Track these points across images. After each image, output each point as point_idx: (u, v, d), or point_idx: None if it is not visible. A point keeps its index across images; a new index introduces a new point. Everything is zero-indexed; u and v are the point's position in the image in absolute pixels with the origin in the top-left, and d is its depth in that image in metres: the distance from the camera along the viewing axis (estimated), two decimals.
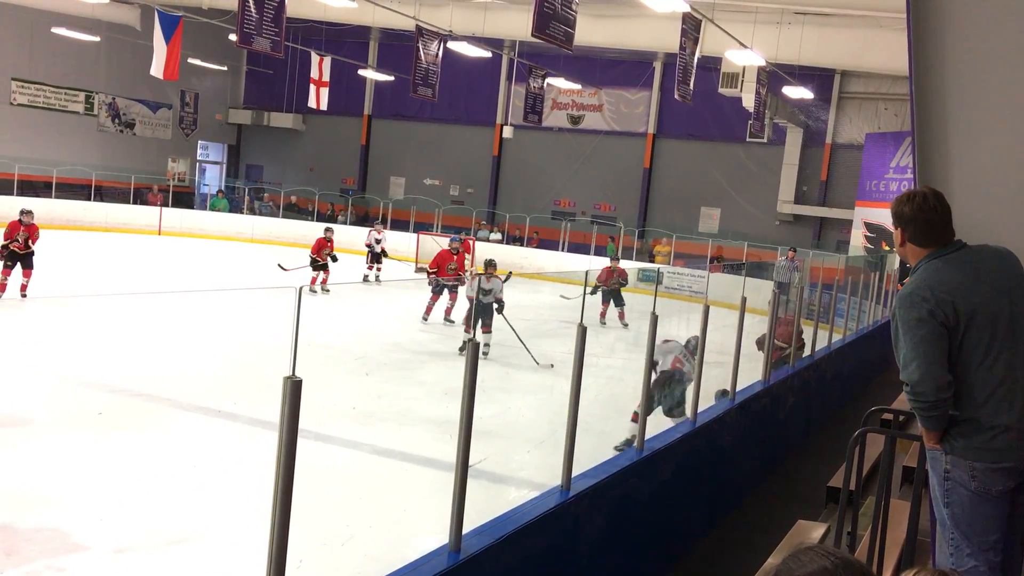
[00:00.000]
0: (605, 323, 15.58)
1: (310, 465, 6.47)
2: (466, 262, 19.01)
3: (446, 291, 14.13)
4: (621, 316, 15.82)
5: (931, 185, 3.52)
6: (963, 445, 3.12)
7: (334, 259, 16.47)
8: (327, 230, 17.03)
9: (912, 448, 6.26)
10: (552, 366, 9.93)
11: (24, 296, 12.84)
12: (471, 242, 21.14)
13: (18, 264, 12.90)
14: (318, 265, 16.25)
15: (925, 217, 3.17)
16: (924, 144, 3.55)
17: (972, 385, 3.08)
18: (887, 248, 19.88)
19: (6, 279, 12.91)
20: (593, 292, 15.30)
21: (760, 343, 8.66)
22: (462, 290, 13.96)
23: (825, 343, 10.77)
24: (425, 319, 13.95)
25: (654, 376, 7.48)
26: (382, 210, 27.04)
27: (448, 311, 14.13)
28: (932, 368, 3.02)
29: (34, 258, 13.05)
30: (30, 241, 12.99)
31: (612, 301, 15.81)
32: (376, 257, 19.14)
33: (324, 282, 16.06)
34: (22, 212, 13.23)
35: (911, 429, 7.31)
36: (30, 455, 6.60)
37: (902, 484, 5.96)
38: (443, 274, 14.36)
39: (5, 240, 12.89)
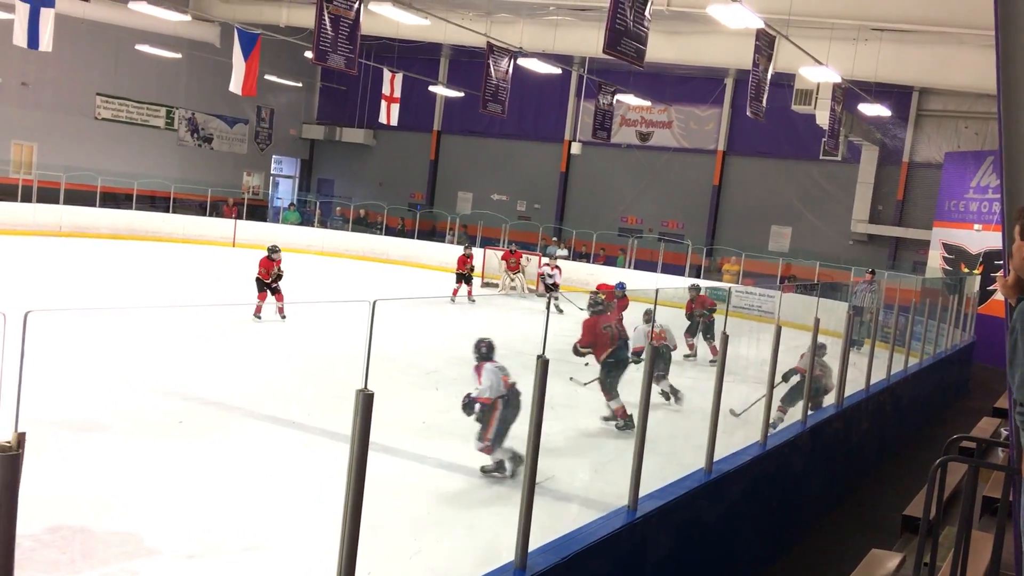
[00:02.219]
0: (695, 357, 13.44)
1: (379, 477, 6.53)
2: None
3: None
4: (713, 351, 12.08)
5: (1018, 203, 3.38)
6: None
7: (278, 277, 14.49)
8: (273, 250, 14.68)
9: (993, 477, 6.04)
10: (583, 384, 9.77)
11: (283, 317, 14.09)
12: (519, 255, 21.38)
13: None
14: (266, 288, 14.41)
15: None
16: (1013, 164, 3.44)
17: None
18: (966, 270, 19.27)
19: (262, 306, 14.12)
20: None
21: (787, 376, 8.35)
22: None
23: (901, 367, 10.48)
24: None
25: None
26: (449, 224, 27.25)
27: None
28: None
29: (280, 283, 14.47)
30: (280, 271, 14.46)
31: (702, 334, 13.45)
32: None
33: (280, 310, 14.23)
34: (271, 250, 14.62)
35: (991, 458, 7.05)
36: (109, 461, 6.78)
37: (981, 515, 5.74)
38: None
39: (261, 276, 14.37)
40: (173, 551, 5.36)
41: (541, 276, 19.62)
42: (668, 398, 9.90)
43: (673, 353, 11.25)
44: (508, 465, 7.10)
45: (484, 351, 7.33)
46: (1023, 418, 2.93)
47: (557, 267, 19.86)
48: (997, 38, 3.36)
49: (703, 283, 21.97)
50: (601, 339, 8.84)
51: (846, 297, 15.52)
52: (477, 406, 7.09)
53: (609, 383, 8.93)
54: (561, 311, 15.39)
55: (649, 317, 10.41)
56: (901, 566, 5.14)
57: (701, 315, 13.59)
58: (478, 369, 7.23)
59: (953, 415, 12.41)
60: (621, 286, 14.26)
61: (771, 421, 7.73)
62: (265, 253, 14.70)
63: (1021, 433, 3.00)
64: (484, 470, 7.18)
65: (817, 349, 8.05)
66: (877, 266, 21.39)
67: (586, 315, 11.00)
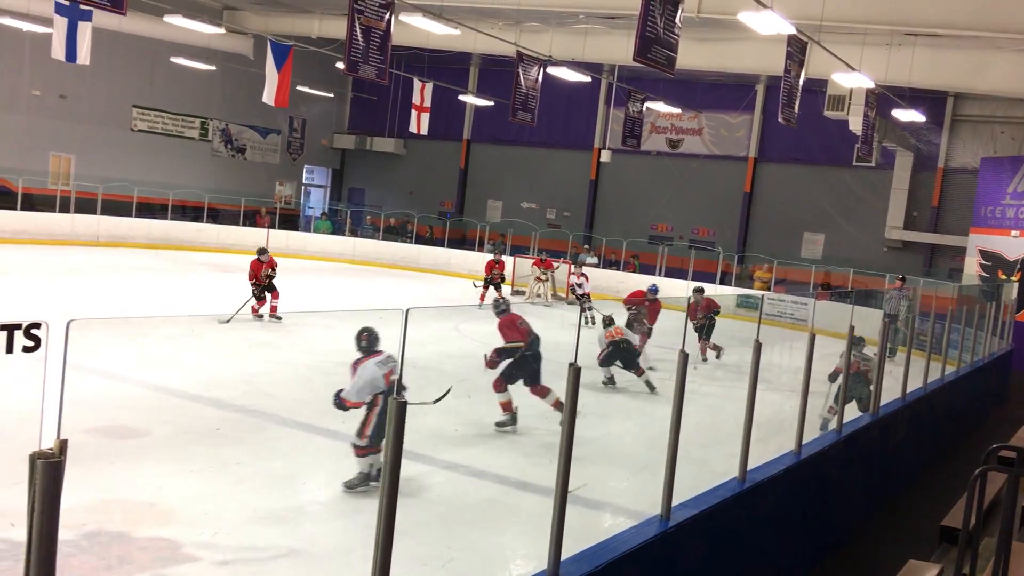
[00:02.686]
0: (706, 360, 13.76)
1: (412, 485, 6.57)
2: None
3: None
4: (706, 349, 13.76)
5: None
6: None
7: (269, 278, 14.26)
8: (261, 252, 14.49)
9: None
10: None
11: (278, 318, 14.28)
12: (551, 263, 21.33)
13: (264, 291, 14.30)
14: (260, 291, 14.22)
15: None
16: None
17: None
18: (1004, 277, 18.98)
19: (260, 308, 14.27)
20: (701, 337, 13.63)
21: (835, 375, 8.40)
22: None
23: (938, 375, 10.34)
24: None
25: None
26: (479, 233, 27.34)
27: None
28: None
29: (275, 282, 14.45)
30: (273, 271, 14.41)
31: (702, 334, 13.76)
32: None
33: (274, 309, 14.24)
34: (259, 251, 14.59)
35: None
36: (147, 467, 6.87)
37: (1022, 525, 5.64)
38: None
39: (252, 280, 14.28)
40: (209, 557, 5.41)
41: (571, 287, 19.55)
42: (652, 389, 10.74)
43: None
44: (372, 473, 6.52)
45: (365, 344, 6.77)
46: None
47: (584, 275, 19.76)
48: None
49: (733, 290, 21.84)
50: (521, 334, 8.73)
51: (880, 304, 15.35)
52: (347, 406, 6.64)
53: (508, 375, 8.72)
54: (593, 322, 15.04)
55: (610, 321, 11.42)
56: None
57: (707, 318, 13.72)
58: (355, 365, 6.67)
59: (992, 424, 12.21)
60: (654, 289, 14.25)
61: (821, 422, 7.84)
62: (255, 256, 14.43)
63: None
64: (348, 485, 6.59)
65: (856, 342, 8.07)
66: (912, 273, 21.13)
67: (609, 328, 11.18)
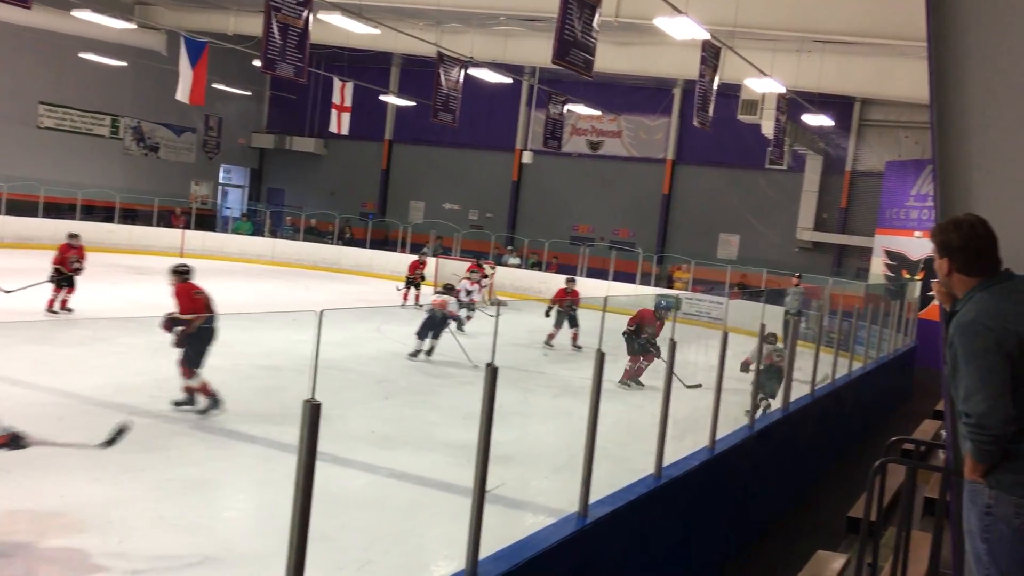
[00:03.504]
0: (552, 346, 15.15)
1: (328, 489, 6.48)
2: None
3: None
4: (574, 338, 15.20)
5: (952, 214, 3.50)
6: (1011, 481, 3.02)
7: (76, 269, 13.74)
8: (71, 236, 13.96)
9: (933, 479, 6.19)
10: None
11: (69, 311, 13.62)
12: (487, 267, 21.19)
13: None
14: (63, 278, 13.64)
15: (975, 246, 3.07)
16: (945, 173, 3.55)
17: None
18: (907, 276, 19.74)
19: (56, 296, 13.63)
20: (547, 313, 15.64)
21: (744, 365, 8.78)
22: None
23: (845, 371, 10.69)
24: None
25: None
26: (401, 234, 27.19)
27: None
28: (1000, 400, 2.91)
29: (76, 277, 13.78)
30: (80, 262, 13.76)
31: (567, 323, 15.26)
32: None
33: (64, 303, 13.70)
34: (70, 236, 13.90)
35: (932, 460, 7.24)
36: (53, 476, 6.64)
37: (923, 515, 5.89)
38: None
39: (57, 264, 13.58)
40: (120, 568, 5.27)
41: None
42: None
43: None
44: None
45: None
46: (968, 428, 2.99)
47: (477, 283, 19.45)
48: (929, 50, 3.48)
49: (655, 291, 22.22)
50: (197, 305, 8.33)
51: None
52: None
53: (194, 358, 8.22)
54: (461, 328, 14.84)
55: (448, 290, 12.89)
56: (846, 567, 5.24)
57: (571, 306, 15.28)
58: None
59: (896, 418, 12.69)
60: (666, 305, 13.54)
61: (759, 410, 8.07)
62: (67, 241, 13.88)
63: (962, 442, 3.08)
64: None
65: (768, 339, 8.36)
66: (822, 273, 21.81)
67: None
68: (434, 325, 12.53)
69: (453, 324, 13.13)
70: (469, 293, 18.88)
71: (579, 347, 14.99)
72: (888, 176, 21.50)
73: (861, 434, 11.16)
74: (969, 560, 3.25)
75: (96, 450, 5.53)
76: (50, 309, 13.45)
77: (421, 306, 16.39)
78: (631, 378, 12.16)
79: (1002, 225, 3.53)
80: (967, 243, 3.06)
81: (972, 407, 2.94)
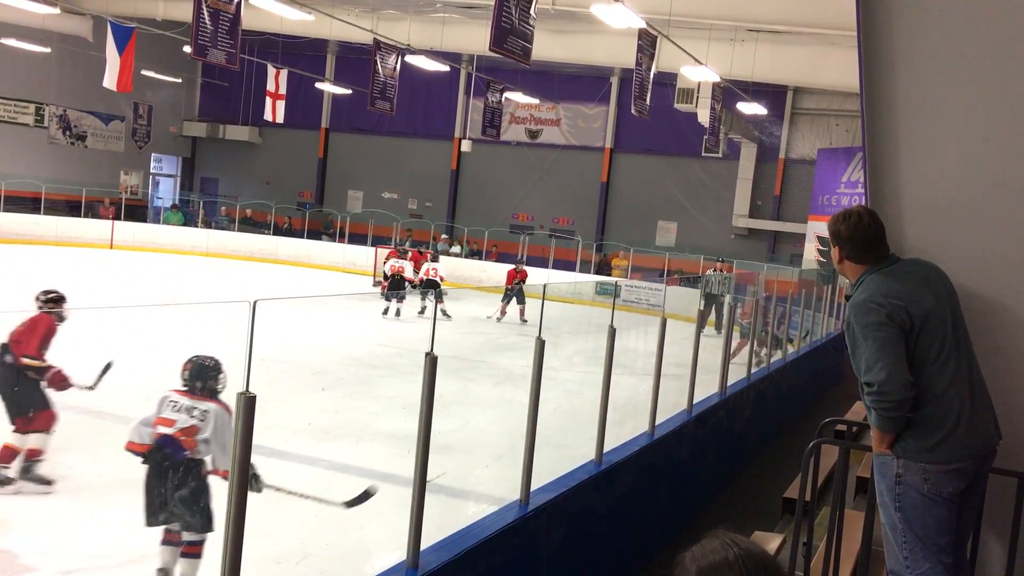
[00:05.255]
0: (500, 319, 17.19)
1: (270, 482, 6.37)
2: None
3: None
4: (521, 313, 17.30)
5: (881, 200, 3.60)
6: (916, 447, 3.23)
7: None
8: None
9: (866, 459, 6.34)
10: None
11: None
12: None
13: None
14: None
15: (861, 236, 3.34)
16: (874, 160, 3.62)
17: (925, 387, 3.20)
18: None
19: None
20: (505, 298, 17.48)
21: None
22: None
23: (780, 356, 10.90)
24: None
25: None
26: (339, 224, 26.88)
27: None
28: (897, 367, 3.14)
29: None
30: None
31: (515, 299, 17.35)
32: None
33: None
34: None
35: (864, 440, 7.41)
36: None
37: (856, 494, 6.03)
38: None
39: None
40: (51, 567, 5.13)
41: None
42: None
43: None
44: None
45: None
46: (872, 399, 3.21)
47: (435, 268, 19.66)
48: (859, 39, 3.53)
49: (594, 278, 22.38)
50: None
51: (728, 289, 16.02)
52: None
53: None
54: (448, 316, 16.14)
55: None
56: (782, 547, 5.35)
57: (519, 284, 17.33)
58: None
59: (829, 400, 12.99)
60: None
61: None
62: None
63: (869, 413, 3.29)
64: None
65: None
66: (757, 259, 22.20)
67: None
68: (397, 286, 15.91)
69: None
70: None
71: (525, 320, 17.01)
72: (820, 163, 21.96)
73: (796, 417, 11.40)
74: (886, 532, 3.38)
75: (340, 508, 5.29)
76: None
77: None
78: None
79: (929, 210, 3.63)
80: (854, 234, 3.35)
81: (872, 376, 3.17)
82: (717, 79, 16.79)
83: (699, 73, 16.12)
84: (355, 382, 10.90)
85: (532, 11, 10.50)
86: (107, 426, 8.12)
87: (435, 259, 18.90)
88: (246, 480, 2.88)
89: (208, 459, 4.85)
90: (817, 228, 21.12)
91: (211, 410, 4.95)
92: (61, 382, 6.28)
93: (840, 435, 6.85)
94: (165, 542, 4.97)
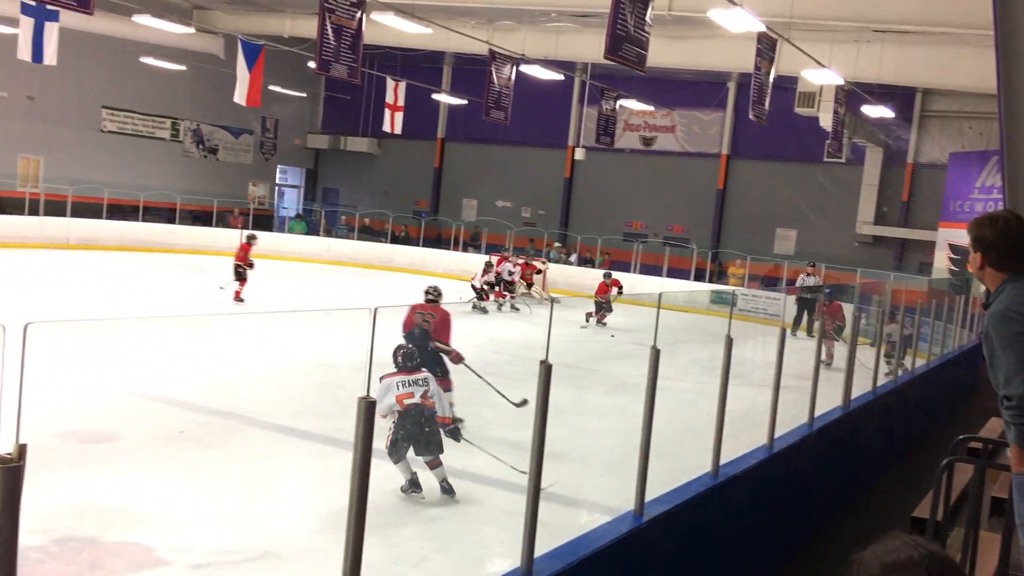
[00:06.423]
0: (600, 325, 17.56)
1: (384, 485, 6.54)
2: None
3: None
4: (602, 317, 17.59)
5: (1020, 203, 3.41)
6: None
7: (250, 266, 16.23)
8: (250, 237, 16.62)
9: (1002, 478, 6.01)
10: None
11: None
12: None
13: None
14: (240, 273, 16.04)
15: (1007, 242, 3.19)
16: (1014, 163, 3.44)
17: None
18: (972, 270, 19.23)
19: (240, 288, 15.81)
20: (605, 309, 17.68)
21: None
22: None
23: (908, 368, 10.45)
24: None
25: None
26: (454, 232, 27.30)
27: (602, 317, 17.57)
28: None
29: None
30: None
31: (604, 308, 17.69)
32: (508, 286, 19.64)
33: (237, 294, 15.96)
34: (251, 237, 16.46)
35: (1001, 459, 7.02)
36: (117, 471, 6.80)
37: (991, 515, 5.72)
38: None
39: (239, 261, 15.92)
40: (182, 561, 5.37)
41: (500, 275, 19.79)
42: None
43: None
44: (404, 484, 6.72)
45: (398, 361, 6.93)
46: (1011, 413, 3.05)
47: (519, 264, 20.18)
48: (996, 38, 3.37)
49: (709, 287, 22.00)
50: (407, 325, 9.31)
51: (852, 299, 15.50)
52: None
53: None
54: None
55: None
56: None
57: (606, 298, 17.69)
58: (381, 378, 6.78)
59: (961, 416, 12.37)
60: (829, 293, 15.48)
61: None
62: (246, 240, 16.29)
63: (1008, 429, 3.12)
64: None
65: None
66: (883, 268, 21.36)
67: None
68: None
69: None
70: (511, 273, 19.33)
71: (604, 324, 17.44)
72: (951, 168, 20.95)
73: (924, 433, 10.90)
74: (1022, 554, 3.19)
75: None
76: (236, 298, 15.75)
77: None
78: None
79: None
80: (1000, 239, 3.19)
81: (1012, 390, 3.01)
82: (841, 82, 16.26)
83: (821, 76, 15.64)
84: (469, 389, 11.02)
85: (648, 18, 10.42)
86: (236, 425, 8.49)
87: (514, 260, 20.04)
88: (366, 484, 2.95)
89: (437, 408, 6.80)
90: (949, 235, 20.16)
91: (426, 376, 6.89)
92: (457, 358, 8.76)
93: (975, 453, 6.52)
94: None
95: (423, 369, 6.95)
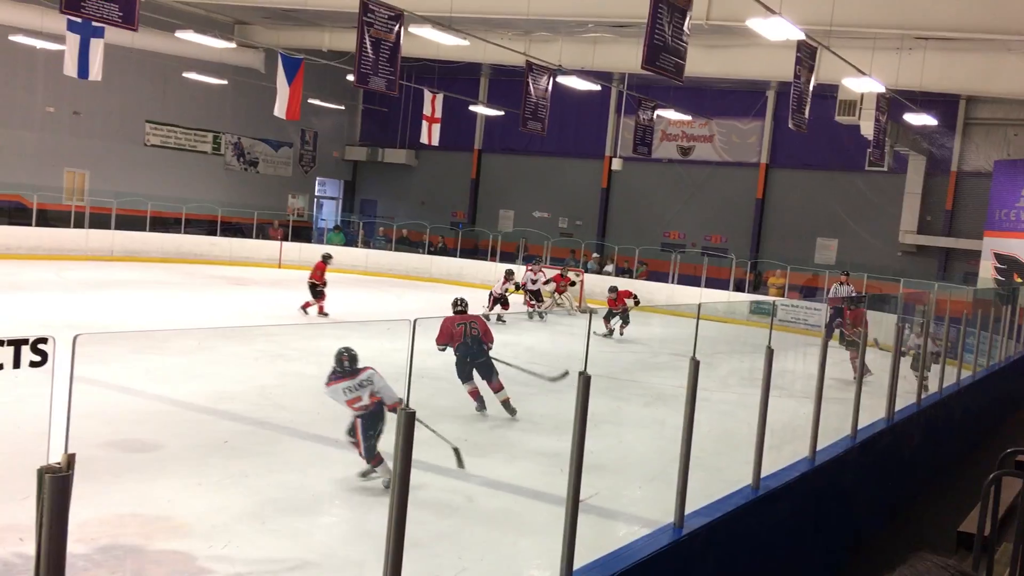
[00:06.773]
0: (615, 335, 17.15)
1: (423, 496, 6.56)
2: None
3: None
4: (621, 328, 17.21)
5: None
6: None
7: (324, 284, 16.58)
8: (326, 256, 17.06)
9: None
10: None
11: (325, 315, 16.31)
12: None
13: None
14: (317, 291, 16.40)
15: None
16: None
17: None
18: (1019, 280, 18.85)
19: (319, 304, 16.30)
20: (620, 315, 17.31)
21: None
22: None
23: (953, 379, 10.26)
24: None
25: None
26: (491, 243, 27.36)
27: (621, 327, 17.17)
28: None
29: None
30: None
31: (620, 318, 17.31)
32: (535, 295, 19.73)
33: (321, 309, 16.29)
34: (326, 256, 16.93)
35: None
36: (160, 481, 6.89)
37: None
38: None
39: (315, 280, 16.43)
40: (223, 571, 5.42)
41: (524, 284, 19.75)
42: None
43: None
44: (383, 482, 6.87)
45: (343, 365, 7.01)
46: None
47: (542, 271, 20.14)
48: None
49: (748, 297, 21.80)
50: (456, 336, 9.34)
51: (894, 309, 15.26)
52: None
53: (460, 371, 9.51)
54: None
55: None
56: None
57: (622, 310, 17.43)
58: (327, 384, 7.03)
59: (1009, 429, 12.11)
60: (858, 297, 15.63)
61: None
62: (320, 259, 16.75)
63: None
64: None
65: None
66: (926, 277, 21.02)
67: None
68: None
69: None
70: (534, 282, 19.39)
71: (622, 334, 17.14)
72: (997, 176, 20.59)
73: (970, 446, 10.68)
74: None
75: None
76: (321, 312, 16.26)
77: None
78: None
79: None
80: None
81: None
82: (882, 89, 16.04)
83: (862, 84, 15.45)
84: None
85: (685, 27, 10.38)
86: (275, 436, 8.57)
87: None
88: (406, 492, 2.96)
89: (386, 399, 6.80)
90: (994, 245, 19.82)
91: (369, 374, 6.87)
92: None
93: (1022, 466, 6.37)
94: (380, 462, 6.87)
95: (364, 368, 6.92)
